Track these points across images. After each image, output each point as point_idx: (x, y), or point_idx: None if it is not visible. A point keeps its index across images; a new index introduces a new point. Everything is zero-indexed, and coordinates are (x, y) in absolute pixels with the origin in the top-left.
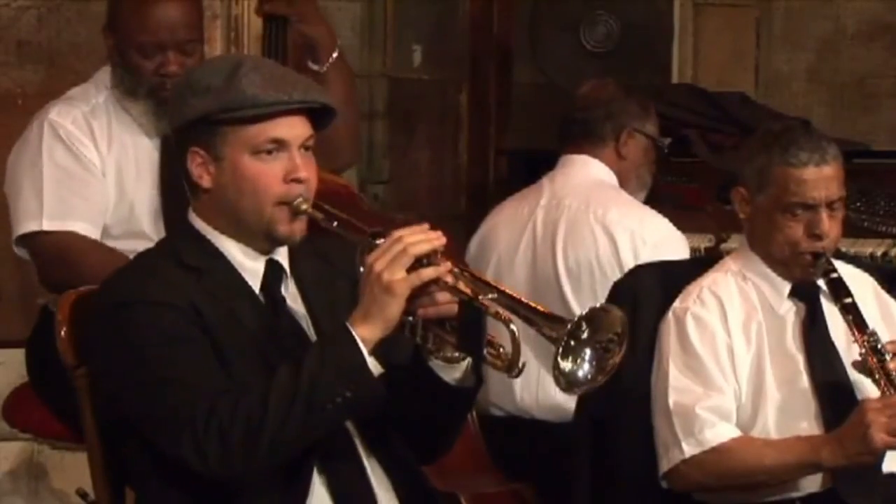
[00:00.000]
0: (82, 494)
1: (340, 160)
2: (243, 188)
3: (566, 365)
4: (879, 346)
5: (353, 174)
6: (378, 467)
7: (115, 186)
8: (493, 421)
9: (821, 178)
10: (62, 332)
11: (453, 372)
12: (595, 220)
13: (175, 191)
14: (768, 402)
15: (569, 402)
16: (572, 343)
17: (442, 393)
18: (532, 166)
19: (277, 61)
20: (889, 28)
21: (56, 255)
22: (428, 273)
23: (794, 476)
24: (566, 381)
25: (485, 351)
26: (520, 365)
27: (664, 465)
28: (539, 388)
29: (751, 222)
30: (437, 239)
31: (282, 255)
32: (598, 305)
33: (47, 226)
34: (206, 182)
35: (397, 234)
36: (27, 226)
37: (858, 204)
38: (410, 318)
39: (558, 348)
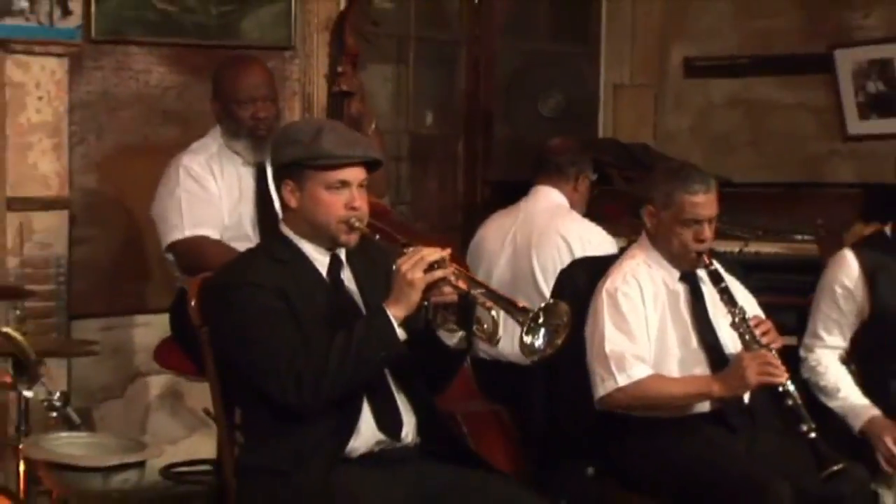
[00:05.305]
0: (207, 413)
1: (378, 191)
2: (318, 210)
3: (528, 339)
4: (745, 316)
5: (387, 198)
6: (403, 397)
7: (228, 206)
8: (481, 362)
9: (707, 201)
10: (192, 303)
11: (452, 339)
12: (557, 230)
13: (265, 207)
14: (670, 355)
15: None
16: (532, 325)
17: (445, 352)
18: (508, 192)
19: None
20: (744, 101)
21: (191, 251)
22: (438, 274)
23: (692, 402)
24: (528, 351)
25: (474, 327)
26: (498, 337)
27: (600, 392)
28: (514, 343)
29: (655, 229)
30: (444, 251)
31: (341, 253)
32: (552, 301)
33: (187, 233)
34: (293, 203)
35: (418, 246)
36: (173, 235)
37: (724, 218)
38: (426, 303)
39: (523, 328)
